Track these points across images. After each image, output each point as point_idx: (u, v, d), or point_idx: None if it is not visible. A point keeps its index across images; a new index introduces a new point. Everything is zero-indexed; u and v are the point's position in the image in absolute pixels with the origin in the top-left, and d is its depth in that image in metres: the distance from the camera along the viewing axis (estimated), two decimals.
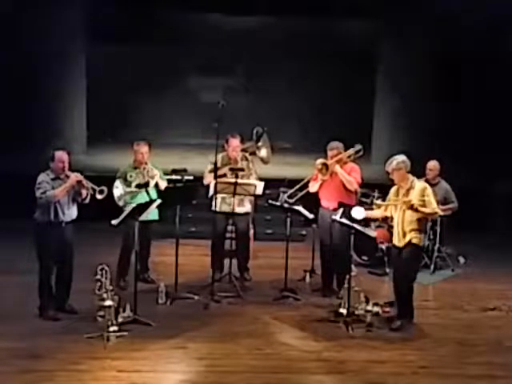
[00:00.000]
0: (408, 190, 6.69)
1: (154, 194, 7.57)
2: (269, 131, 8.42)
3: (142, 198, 7.45)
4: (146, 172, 7.69)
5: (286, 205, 7.64)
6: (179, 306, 7.23)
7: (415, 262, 6.84)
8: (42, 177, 6.66)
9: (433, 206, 6.63)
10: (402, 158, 6.73)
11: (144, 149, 7.76)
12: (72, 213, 6.80)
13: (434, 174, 8.68)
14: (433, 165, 8.70)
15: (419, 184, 6.72)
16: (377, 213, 7.11)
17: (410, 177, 6.75)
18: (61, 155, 6.70)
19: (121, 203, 7.52)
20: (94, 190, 6.71)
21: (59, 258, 6.74)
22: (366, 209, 8.57)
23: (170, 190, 7.51)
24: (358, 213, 6.81)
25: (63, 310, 6.79)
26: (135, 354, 5.96)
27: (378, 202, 7.10)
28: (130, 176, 7.60)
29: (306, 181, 7.73)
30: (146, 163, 7.74)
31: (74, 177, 6.70)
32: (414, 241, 6.64)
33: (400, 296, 6.82)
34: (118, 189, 7.57)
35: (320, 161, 7.54)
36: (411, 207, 6.53)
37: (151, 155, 7.92)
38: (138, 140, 7.91)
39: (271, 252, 9.00)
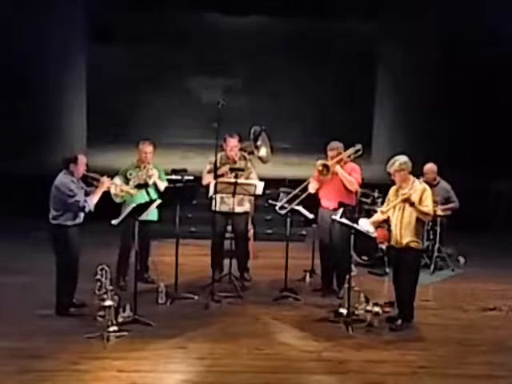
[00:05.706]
0: (408, 191, 6.66)
1: (154, 195, 7.56)
2: (267, 130, 8.29)
3: (142, 197, 7.43)
4: (145, 171, 7.68)
5: (282, 211, 7.61)
6: (179, 306, 7.22)
7: (416, 267, 6.78)
8: (70, 183, 6.63)
9: (429, 208, 6.61)
10: (404, 158, 6.69)
11: (148, 148, 7.72)
12: None
13: (431, 176, 8.66)
14: (428, 168, 8.68)
15: (420, 186, 6.70)
16: (380, 216, 6.93)
17: (411, 178, 6.73)
18: (83, 159, 6.77)
19: (118, 200, 7.48)
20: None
21: (77, 257, 6.80)
22: (366, 209, 8.55)
23: (170, 190, 7.51)
24: (366, 225, 6.82)
25: (73, 305, 6.83)
26: (135, 353, 5.95)
27: (382, 208, 6.97)
28: (130, 174, 7.59)
29: (305, 184, 7.69)
30: (148, 163, 7.71)
31: (107, 182, 6.86)
32: (412, 245, 6.61)
33: (401, 298, 6.81)
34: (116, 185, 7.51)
35: (320, 162, 7.52)
36: (407, 201, 6.48)
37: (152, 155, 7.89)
38: (143, 139, 7.88)
39: (271, 252, 8.99)
